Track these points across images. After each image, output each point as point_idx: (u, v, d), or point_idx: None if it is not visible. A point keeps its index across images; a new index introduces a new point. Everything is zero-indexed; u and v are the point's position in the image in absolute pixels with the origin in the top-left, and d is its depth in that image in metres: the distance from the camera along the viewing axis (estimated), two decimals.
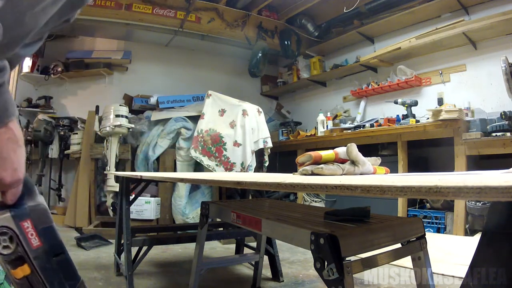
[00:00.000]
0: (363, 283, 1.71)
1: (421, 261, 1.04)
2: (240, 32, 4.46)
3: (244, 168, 3.35)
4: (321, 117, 4.20)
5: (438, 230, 2.99)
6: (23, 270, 0.52)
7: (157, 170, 3.67)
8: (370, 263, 0.91)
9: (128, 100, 4.44)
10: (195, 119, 3.66)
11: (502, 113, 2.63)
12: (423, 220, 1.91)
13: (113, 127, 3.28)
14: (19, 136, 0.53)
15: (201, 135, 3.45)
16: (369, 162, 1.11)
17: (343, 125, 4.04)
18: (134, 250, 1.92)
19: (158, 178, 1.61)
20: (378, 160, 1.20)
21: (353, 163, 1.06)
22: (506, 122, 2.63)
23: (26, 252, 0.51)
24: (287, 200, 4.31)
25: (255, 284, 1.90)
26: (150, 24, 4.10)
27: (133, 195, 2.13)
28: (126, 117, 3.42)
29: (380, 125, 3.58)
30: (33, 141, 3.87)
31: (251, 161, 3.40)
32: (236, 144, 3.38)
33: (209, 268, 1.75)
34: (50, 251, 0.54)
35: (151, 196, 3.41)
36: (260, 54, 4.47)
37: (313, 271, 1.66)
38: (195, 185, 3.56)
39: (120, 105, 3.48)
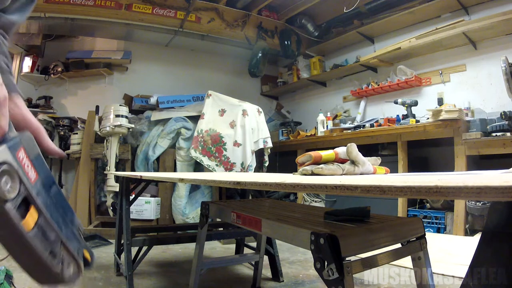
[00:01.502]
0: (363, 283, 1.71)
1: (421, 261, 1.04)
2: (240, 32, 4.46)
3: (244, 168, 3.35)
4: (321, 117, 4.20)
5: (438, 230, 2.99)
6: (32, 215, 0.39)
7: (157, 170, 3.67)
8: (370, 263, 0.90)
9: (128, 100, 4.44)
10: (195, 119, 3.66)
11: (502, 113, 2.63)
12: (423, 220, 1.91)
13: (113, 127, 3.29)
14: None
15: (201, 135, 3.45)
16: (369, 162, 1.11)
17: (343, 125, 4.04)
18: (134, 250, 1.92)
19: (158, 178, 1.60)
20: (378, 160, 1.21)
21: (353, 163, 1.06)
22: (506, 122, 2.64)
23: (28, 190, 0.39)
24: (287, 200, 4.31)
25: (255, 284, 1.90)
26: (150, 24, 4.10)
27: (133, 195, 2.13)
28: (126, 117, 3.43)
29: (380, 125, 3.58)
30: None
31: (251, 161, 3.40)
32: (236, 144, 3.38)
33: (209, 268, 1.75)
34: (46, 183, 0.43)
35: (151, 196, 3.40)
36: (260, 54, 4.47)
37: (313, 271, 1.67)
38: (195, 185, 3.56)
39: (120, 105, 3.48)
